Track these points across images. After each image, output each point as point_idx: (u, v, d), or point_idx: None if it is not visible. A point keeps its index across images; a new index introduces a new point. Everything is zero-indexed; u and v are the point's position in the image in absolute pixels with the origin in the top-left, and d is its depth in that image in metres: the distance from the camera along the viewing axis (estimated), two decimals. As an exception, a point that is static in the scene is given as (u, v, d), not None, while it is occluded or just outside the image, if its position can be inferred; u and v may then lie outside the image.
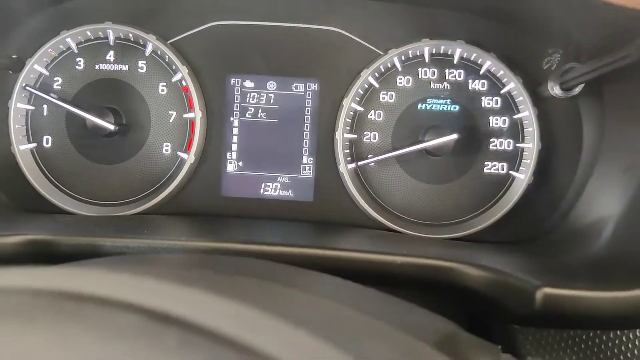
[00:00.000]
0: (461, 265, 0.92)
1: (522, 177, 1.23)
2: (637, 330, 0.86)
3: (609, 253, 0.95)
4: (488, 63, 1.23)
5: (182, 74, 1.25)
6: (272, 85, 1.29)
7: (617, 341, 0.86)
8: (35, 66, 1.26)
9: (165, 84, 1.28)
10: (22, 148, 1.27)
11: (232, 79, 1.29)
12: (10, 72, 1.27)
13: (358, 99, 1.26)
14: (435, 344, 0.58)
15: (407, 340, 0.51)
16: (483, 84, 1.26)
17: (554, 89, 1.14)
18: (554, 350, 0.86)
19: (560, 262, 1.01)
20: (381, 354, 0.42)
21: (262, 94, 1.29)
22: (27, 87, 1.26)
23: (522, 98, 1.22)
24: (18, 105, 1.27)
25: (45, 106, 1.29)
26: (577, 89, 1.13)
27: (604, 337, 0.86)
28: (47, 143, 1.29)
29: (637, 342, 0.86)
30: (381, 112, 1.27)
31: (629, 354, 0.86)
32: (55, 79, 1.29)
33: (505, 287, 0.86)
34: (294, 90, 1.29)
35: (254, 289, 0.59)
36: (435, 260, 0.93)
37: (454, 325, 0.69)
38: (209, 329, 0.34)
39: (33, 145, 1.28)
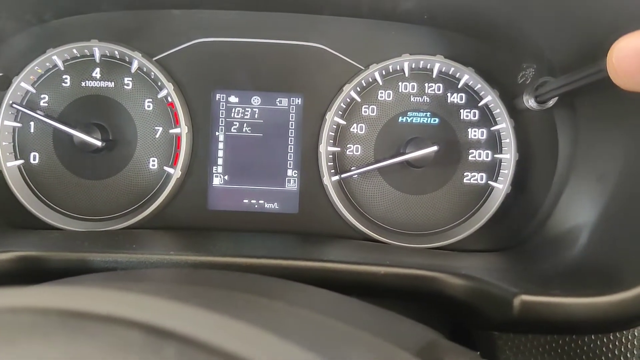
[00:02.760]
0: (443, 274, 0.95)
1: (501, 187, 1.27)
2: (611, 334, 0.89)
3: (583, 260, 0.98)
4: (466, 77, 1.27)
5: (168, 90, 1.27)
6: (256, 100, 1.32)
7: (592, 345, 0.90)
8: (22, 84, 1.28)
9: (151, 100, 1.30)
10: (9, 165, 1.29)
11: (217, 95, 1.32)
12: (-3, 89, 1.29)
13: (341, 113, 1.30)
14: (416, 352, 0.61)
15: (388, 349, 0.54)
16: (461, 97, 1.29)
17: (529, 102, 1.18)
18: (532, 355, 0.90)
19: (537, 270, 1.04)
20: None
21: (246, 109, 1.32)
22: (14, 105, 1.27)
23: (499, 110, 1.26)
24: (5, 123, 1.28)
25: (32, 123, 1.30)
26: (551, 102, 1.17)
27: (580, 342, 0.90)
28: (34, 160, 1.31)
29: (610, 346, 0.89)
30: (363, 125, 1.30)
31: (603, 358, 0.89)
32: (42, 96, 1.30)
33: (485, 295, 0.89)
34: (278, 105, 1.32)
35: (242, 302, 0.61)
36: (418, 270, 0.96)
37: (434, 334, 0.72)
38: (202, 342, 0.36)
39: (20, 162, 1.30)
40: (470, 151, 1.29)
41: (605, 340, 0.90)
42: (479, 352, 0.73)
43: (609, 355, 0.89)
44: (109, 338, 0.33)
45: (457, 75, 1.29)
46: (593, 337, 0.90)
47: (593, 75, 0.95)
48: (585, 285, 0.87)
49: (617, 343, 0.90)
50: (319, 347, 0.41)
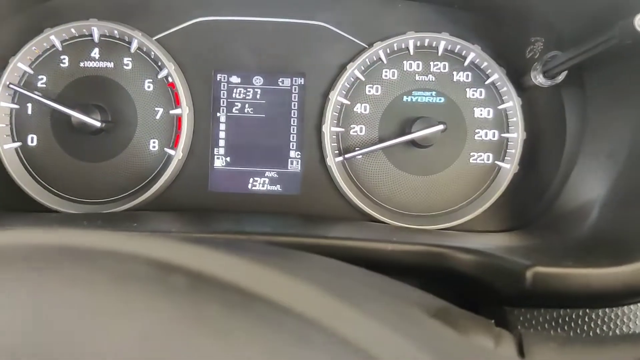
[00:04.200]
0: (451, 250, 0.92)
1: (508, 167, 1.25)
2: (625, 307, 0.87)
3: (594, 234, 0.96)
4: (472, 55, 1.25)
5: (169, 70, 1.25)
6: (258, 80, 1.29)
7: (605, 318, 0.87)
8: (19, 64, 1.25)
9: (151, 80, 1.28)
10: (6, 147, 1.26)
11: (218, 75, 1.29)
12: (-7, 70, 1.26)
13: (344, 93, 1.27)
14: (431, 315, 0.58)
15: (403, 306, 0.52)
16: (467, 75, 1.27)
17: (538, 78, 1.16)
18: (544, 330, 0.87)
19: (547, 246, 1.02)
20: (381, 314, 0.42)
21: (248, 90, 1.29)
22: (11, 85, 1.25)
23: (506, 89, 1.24)
24: (2, 104, 1.26)
25: (29, 105, 1.28)
26: (560, 77, 1.14)
27: (593, 315, 0.87)
28: (32, 142, 1.28)
29: (625, 319, 0.87)
30: (367, 105, 1.28)
31: (617, 331, 0.87)
32: (40, 77, 1.28)
33: (496, 269, 0.87)
34: (280, 85, 1.29)
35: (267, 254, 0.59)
36: (426, 246, 0.94)
37: (445, 302, 0.70)
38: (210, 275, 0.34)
39: (18, 144, 1.27)
40: (477, 130, 1.27)
41: (619, 313, 0.87)
42: (493, 321, 0.70)
43: (623, 329, 0.87)
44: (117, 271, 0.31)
45: (463, 53, 1.26)
46: (607, 310, 0.87)
47: (604, 44, 0.93)
48: (597, 258, 0.85)
49: (631, 317, 0.87)
50: (337, 292, 0.38)
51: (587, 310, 0.87)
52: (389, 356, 0.33)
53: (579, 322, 0.87)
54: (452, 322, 0.61)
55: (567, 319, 0.88)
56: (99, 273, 0.31)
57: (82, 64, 1.28)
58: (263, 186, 1.30)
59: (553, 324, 0.88)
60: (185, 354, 0.28)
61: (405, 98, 1.27)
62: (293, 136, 1.29)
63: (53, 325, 0.28)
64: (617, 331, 0.86)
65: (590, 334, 0.86)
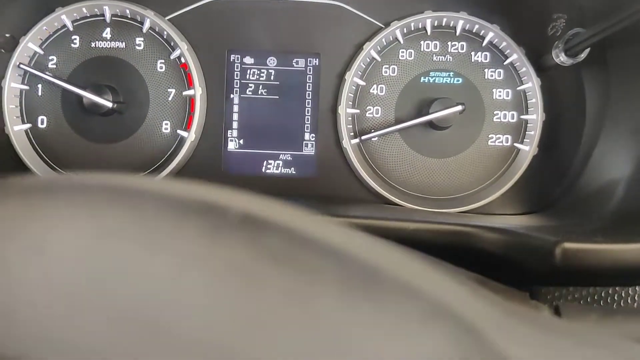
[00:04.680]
0: (478, 229, 0.90)
1: (527, 149, 1.22)
2: (656, 284, 0.85)
3: (622, 212, 0.94)
4: (491, 35, 1.23)
5: (181, 51, 1.23)
6: (272, 61, 1.27)
7: (636, 296, 0.85)
8: (29, 44, 1.23)
9: (163, 61, 1.26)
10: (16, 129, 1.24)
11: (232, 55, 1.27)
12: (3, 50, 1.24)
13: (360, 73, 1.25)
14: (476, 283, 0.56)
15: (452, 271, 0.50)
16: (486, 56, 1.25)
17: (560, 56, 1.13)
18: (573, 308, 0.85)
19: (572, 225, 1.00)
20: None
21: (262, 70, 1.27)
22: (21, 66, 1.22)
23: (525, 69, 1.22)
24: (12, 85, 1.24)
25: (40, 85, 1.25)
26: (583, 55, 1.12)
27: (623, 293, 0.85)
28: (42, 124, 1.26)
29: (657, 297, 0.85)
30: (383, 86, 1.26)
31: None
32: (50, 57, 1.26)
33: (524, 247, 0.84)
34: (295, 65, 1.27)
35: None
36: (453, 225, 0.92)
37: (480, 275, 0.68)
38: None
39: (27, 125, 1.25)
40: (495, 112, 1.24)
41: (650, 290, 0.85)
42: (527, 293, 0.68)
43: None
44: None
45: (481, 33, 1.24)
46: (637, 288, 0.85)
47: (629, 18, 0.90)
48: (628, 234, 0.83)
49: (663, 294, 0.85)
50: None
51: (617, 288, 0.85)
52: (461, 304, 0.31)
53: (608, 300, 0.85)
54: (492, 290, 0.59)
55: (595, 297, 0.86)
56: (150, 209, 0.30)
57: (93, 44, 1.26)
58: (277, 169, 1.27)
59: (582, 302, 0.85)
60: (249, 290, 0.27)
61: (422, 79, 1.25)
62: (308, 118, 1.27)
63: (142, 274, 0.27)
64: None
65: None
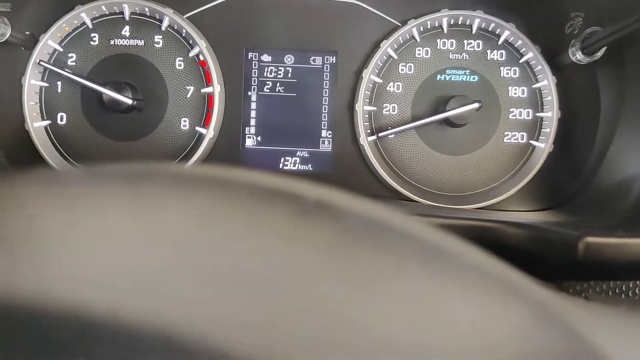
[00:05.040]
0: (500, 224, 0.91)
1: (543, 146, 1.23)
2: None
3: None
4: (506, 33, 1.24)
5: (200, 48, 1.24)
6: (289, 59, 1.28)
7: (658, 291, 0.87)
8: (49, 42, 1.24)
9: (182, 58, 1.27)
10: (36, 125, 1.25)
11: (250, 53, 1.28)
12: (23, 48, 1.25)
13: (377, 71, 1.26)
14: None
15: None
16: (502, 54, 1.26)
17: (576, 54, 1.15)
18: (595, 302, 0.86)
19: (589, 221, 1.01)
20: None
21: (279, 68, 1.28)
22: (41, 63, 1.24)
23: (541, 67, 1.23)
24: (32, 82, 1.25)
25: (59, 83, 1.27)
26: (600, 53, 1.13)
27: (645, 288, 0.86)
28: (61, 120, 1.27)
29: (678, 291, 0.86)
30: (400, 83, 1.27)
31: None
32: (70, 55, 1.27)
33: (546, 242, 0.86)
34: (312, 63, 1.28)
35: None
36: (474, 221, 0.93)
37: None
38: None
39: (47, 122, 1.26)
40: (511, 110, 1.26)
41: (672, 284, 0.86)
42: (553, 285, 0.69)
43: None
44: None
45: (497, 32, 1.25)
46: (659, 282, 0.87)
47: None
48: (649, 229, 0.84)
49: (684, 288, 0.86)
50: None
51: (639, 282, 0.86)
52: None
53: (630, 294, 0.86)
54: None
55: (617, 290, 0.87)
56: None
57: (112, 42, 1.27)
58: (294, 166, 1.29)
59: (603, 295, 0.86)
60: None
61: (438, 77, 1.26)
62: (325, 115, 1.28)
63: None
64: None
65: (643, 306, 0.85)
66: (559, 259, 0.84)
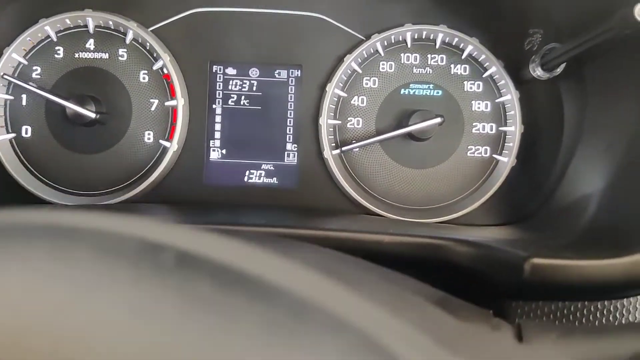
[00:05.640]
0: (449, 242, 0.92)
1: (506, 160, 1.24)
2: (624, 299, 0.86)
3: (594, 227, 0.95)
4: (470, 47, 1.24)
5: (164, 62, 1.24)
6: (254, 72, 1.28)
7: (604, 311, 0.87)
8: (13, 55, 1.24)
9: (146, 71, 1.27)
10: (0, 139, 1.25)
11: (214, 66, 1.28)
12: (-13, 61, 1.25)
13: (341, 85, 1.26)
14: (429, 302, 0.58)
15: (403, 292, 0.51)
16: (465, 68, 1.26)
17: (536, 70, 1.15)
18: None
19: (546, 239, 1.01)
20: (380, 297, 0.41)
21: (244, 81, 1.28)
22: (5, 76, 1.23)
23: (504, 82, 1.23)
24: (-4, 95, 1.25)
25: (24, 96, 1.26)
26: (559, 69, 1.14)
27: (592, 308, 0.87)
28: (26, 133, 1.27)
29: (624, 312, 0.86)
30: (364, 97, 1.27)
31: (617, 324, 0.86)
32: (34, 68, 1.26)
33: (494, 261, 0.86)
34: (277, 77, 1.28)
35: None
36: (423, 238, 0.93)
37: (444, 293, 0.69)
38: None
39: (12, 135, 1.26)
40: (474, 124, 1.26)
41: (618, 305, 0.87)
42: (491, 311, 0.69)
43: (622, 322, 0.86)
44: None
45: (460, 46, 1.25)
46: (606, 303, 0.87)
47: (603, 34, 0.92)
48: (597, 249, 0.85)
49: (630, 309, 0.87)
50: (336, 275, 0.38)
51: (586, 303, 0.86)
52: (389, 337, 0.32)
53: (578, 314, 0.87)
54: (452, 311, 0.60)
55: (565, 311, 0.87)
56: (83, 250, 0.31)
57: (76, 55, 1.27)
58: (259, 179, 1.29)
59: (551, 316, 0.87)
60: (175, 331, 0.28)
61: (402, 91, 1.26)
62: (290, 129, 1.28)
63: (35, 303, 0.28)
64: (617, 324, 0.86)
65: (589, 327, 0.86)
66: (506, 279, 0.84)
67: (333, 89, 1.24)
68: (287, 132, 1.28)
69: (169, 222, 0.37)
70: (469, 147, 1.26)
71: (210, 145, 1.28)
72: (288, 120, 1.28)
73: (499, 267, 0.84)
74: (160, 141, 1.26)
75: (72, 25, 1.26)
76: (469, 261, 0.88)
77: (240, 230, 0.93)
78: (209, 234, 0.36)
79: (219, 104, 1.28)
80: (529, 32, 1.18)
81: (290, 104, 1.28)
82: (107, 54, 1.26)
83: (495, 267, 0.85)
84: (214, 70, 1.28)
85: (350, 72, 1.26)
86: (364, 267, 0.66)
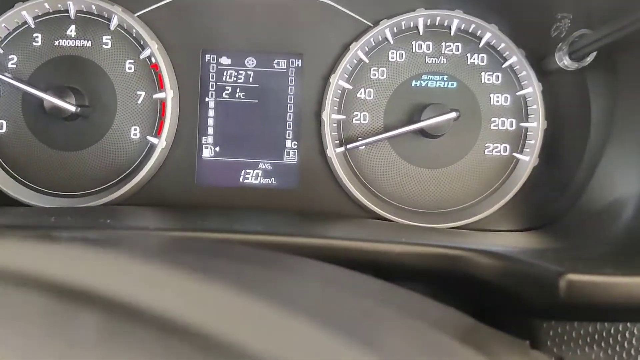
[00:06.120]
0: (471, 253, 0.81)
1: (527, 159, 1.14)
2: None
3: (632, 235, 0.85)
4: (488, 35, 1.14)
5: (151, 50, 1.14)
6: (251, 62, 1.18)
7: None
8: (-13, 43, 1.14)
9: (132, 61, 1.17)
10: (-28, 134, 1.15)
11: (207, 55, 1.18)
12: (-41, 49, 1.15)
13: (346, 76, 1.16)
14: (457, 338, 0.47)
15: (428, 332, 0.40)
16: (483, 58, 1.16)
17: (563, 60, 1.05)
18: (578, 347, 0.76)
19: (578, 248, 0.91)
20: (403, 349, 0.31)
21: (240, 72, 1.19)
22: (-22, 66, 1.13)
23: (526, 73, 1.13)
24: (-32, 87, 1.15)
25: (-2, 87, 1.17)
26: (589, 59, 1.04)
27: (635, 330, 0.76)
28: (1, 128, 1.17)
29: (673, 336, 0.76)
30: (372, 90, 1.17)
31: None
32: (10, 57, 1.17)
33: (523, 277, 0.75)
34: (276, 67, 1.19)
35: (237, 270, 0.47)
36: (440, 248, 0.82)
37: (472, 319, 0.58)
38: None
39: (-15, 130, 1.16)
40: (493, 119, 1.16)
41: (666, 328, 0.76)
42: (527, 342, 0.59)
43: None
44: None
45: (478, 34, 1.16)
46: (651, 325, 0.76)
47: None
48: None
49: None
50: (344, 325, 0.27)
51: (629, 324, 0.76)
52: None
53: (619, 338, 0.76)
54: (483, 347, 0.50)
55: (604, 334, 0.76)
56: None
57: (56, 43, 1.17)
58: (256, 179, 1.18)
59: (589, 340, 0.76)
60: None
61: (413, 83, 1.16)
62: (289, 124, 1.18)
63: None
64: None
65: (632, 352, 0.75)
66: (538, 297, 0.73)
67: (337, 81, 1.15)
68: (287, 127, 1.19)
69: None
70: (486, 145, 1.17)
71: (203, 142, 1.18)
72: (288, 114, 1.19)
73: (530, 285, 0.74)
74: (148, 137, 1.16)
75: (51, 10, 1.17)
76: (495, 276, 0.77)
77: (235, 239, 0.83)
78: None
79: (211, 96, 1.19)
80: (556, 17, 1.09)
81: (290, 97, 1.19)
82: (89, 42, 1.17)
83: (525, 284, 0.74)
84: (206, 60, 1.19)
85: (356, 61, 1.17)
86: (376, 290, 0.55)
